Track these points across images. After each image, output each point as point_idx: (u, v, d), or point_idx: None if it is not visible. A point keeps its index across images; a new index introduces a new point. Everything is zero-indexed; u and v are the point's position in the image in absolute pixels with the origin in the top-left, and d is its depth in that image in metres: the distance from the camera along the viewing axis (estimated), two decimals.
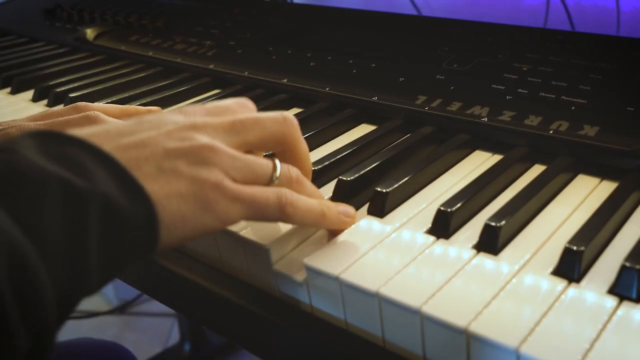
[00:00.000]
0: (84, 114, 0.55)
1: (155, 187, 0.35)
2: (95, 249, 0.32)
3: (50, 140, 0.33)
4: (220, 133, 0.39)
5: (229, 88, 0.76)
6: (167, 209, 0.35)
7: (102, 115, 0.55)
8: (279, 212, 0.39)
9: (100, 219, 0.32)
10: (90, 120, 0.54)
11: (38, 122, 0.53)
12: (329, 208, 0.42)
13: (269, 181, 0.40)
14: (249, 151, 0.41)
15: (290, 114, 0.43)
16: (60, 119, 0.54)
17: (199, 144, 0.37)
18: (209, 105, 0.42)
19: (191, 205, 0.36)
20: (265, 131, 0.41)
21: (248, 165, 0.39)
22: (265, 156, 0.43)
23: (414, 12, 1.11)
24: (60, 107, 0.58)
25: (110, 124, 0.38)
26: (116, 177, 0.33)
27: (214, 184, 0.37)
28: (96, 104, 0.59)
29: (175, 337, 1.62)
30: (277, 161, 0.41)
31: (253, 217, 0.39)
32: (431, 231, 0.44)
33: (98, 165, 0.33)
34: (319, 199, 0.43)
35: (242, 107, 0.43)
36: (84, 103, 0.58)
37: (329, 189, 0.50)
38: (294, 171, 0.41)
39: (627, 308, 0.35)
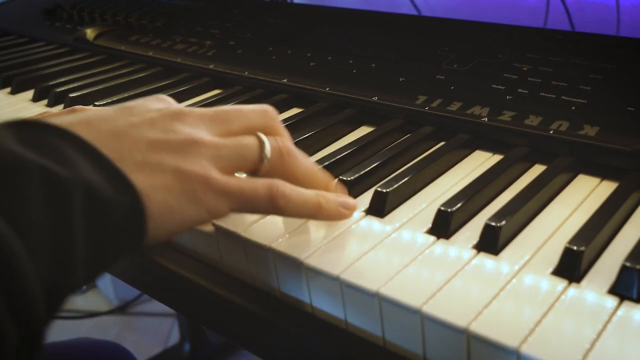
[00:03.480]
0: None
1: (140, 178, 0.34)
2: (81, 238, 0.30)
3: (29, 129, 0.32)
4: (205, 122, 0.39)
5: (229, 88, 0.76)
6: (153, 200, 0.34)
7: None
8: (269, 205, 0.38)
9: (84, 208, 0.30)
10: None
11: None
12: (327, 200, 0.41)
13: (260, 161, 0.39)
14: None
15: (270, 106, 0.43)
16: None
17: (183, 136, 0.36)
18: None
19: (177, 197, 0.35)
20: (247, 122, 0.41)
21: (235, 150, 0.38)
22: None
23: (414, 12, 1.11)
24: (58, 109, 0.58)
25: (92, 112, 0.37)
26: (99, 166, 0.32)
27: (200, 177, 0.36)
28: (93, 107, 0.59)
29: (175, 337, 1.62)
30: (262, 137, 0.39)
31: (242, 210, 0.38)
32: (431, 231, 0.44)
33: (80, 154, 0.32)
34: (314, 171, 0.42)
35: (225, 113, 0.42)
36: (81, 107, 0.58)
37: None
38: (283, 143, 0.40)
39: (628, 308, 0.35)
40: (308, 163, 0.42)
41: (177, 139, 0.36)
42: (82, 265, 0.31)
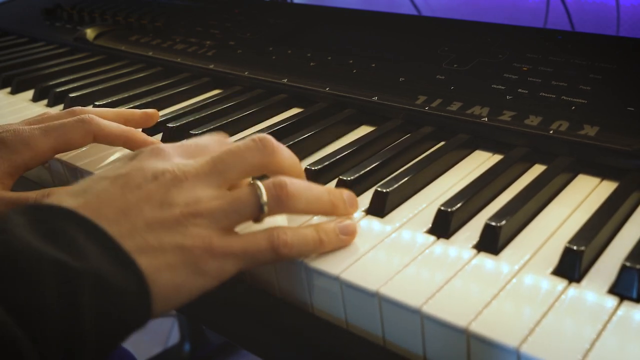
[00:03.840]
0: (78, 117, 0.55)
1: (144, 262, 0.35)
2: (90, 326, 0.32)
3: (40, 215, 0.33)
4: (202, 179, 0.38)
5: (229, 88, 0.76)
6: (158, 282, 0.35)
7: (97, 119, 0.55)
8: (273, 255, 0.39)
9: (93, 297, 0.32)
10: (85, 123, 0.54)
11: (33, 126, 0.54)
12: (327, 233, 0.41)
13: (259, 211, 0.39)
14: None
15: (266, 134, 0.42)
16: (55, 122, 0.54)
17: (179, 209, 0.37)
18: (186, 144, 0.41)
19: (182, 273, 0.36)
20: (246, 164, 0.40)
21: (231, 209, 0.38)
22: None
23: (414, 12, 1.11)
24: (58, 109, 0.58)
25: (85, 189, 0.37)
26: (107, 252, 0.33)
27: (201, 249, 0.36)
28: (92, 108, 0.60)
29: (175, 337, 1.62)
30: (259, 185, 0.39)
31: (249, 267, 0.39)
32: (431, 231, 0.44)
33: (90, 240, 0.33)
34: (318, 200, 0.42)
35: (219, 145, 0.42)
36: (79, 107, 0.58)
37: None
38: (280, 188, 0.39)
39: (628, 308, 0.35)
40: (309, 196, 0.41)
41: (173, 216, 0.36)
42: (90, 351, 0.32)
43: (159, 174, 0.38)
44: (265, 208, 0.39)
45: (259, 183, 0.39)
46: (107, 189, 0.37)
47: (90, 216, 0.34)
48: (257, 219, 0.39)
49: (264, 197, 0.39)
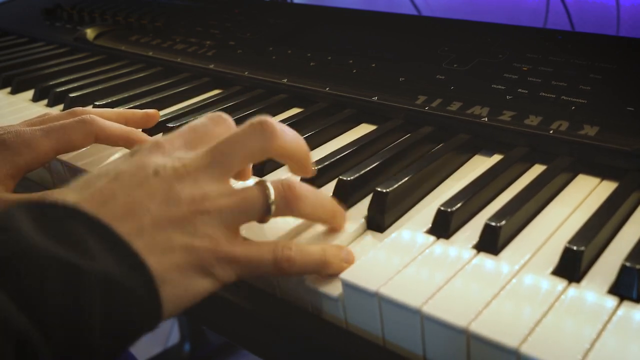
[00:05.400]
0: (79, 118, 0.55)
1: (153, 261, 0.34)
2: (99, 328, 0.31)
3: (46, 213, 0.33)
4: (203, 172, 0.38)
5: (229, 88, 0.76)
6: (168, 282, 0.35)
7: (98, 119, 0.55)
8: (274, 269, 0.39)
9: (103, 298, 0.31)
10: (86, 124, 0.54)
11: (34, 127, 0.54)
12: (334, 257, 0.40)
13: (266, 211, 0.38)
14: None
15: (266, 116, 0.40)
16: (56, 123, 0.54)
17: (186, 206, 0.36)
18: (185, 131, 0.40)
19: (190, 275, 0.36)
20: (246, 151, 0.39)
21: (239, 208, 0.38)
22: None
23: (414, 12, 1.11)
24: (58, 109, 0.58)
25: (88, 184, 0.36)
26: (116, 252, 0.33)
27: (208, 250, 0.36)
28: (93, 109, 0.60)
29: (175, 337, 1.62)
30: (267, 184, 0.39)
31: (249, 276, 0.39)
32: (431, 231, 0.44)
33: (98, 240, 0.33)
34: (322, 207, 0.42)
35: (218, 125, 0.41)
36: (80, 108, 0.59)
37: (328, 189, 0.50)
38: (289, 190, 0.39)
39: (628, 308, 0.35)
40: (315, 201, 0.41)
41: (181, 213, 0.36)
42: (100, 352, 0.32)
43: (160, 169, 0.37)
44: (273, 208, 0.38)
45: (268, 183, 0.39)
46: (110, 186, 0.36)
47: (96, 212, 0.34)
48: (263, 219, 0.39)
49: (272, 197, 0.38)
